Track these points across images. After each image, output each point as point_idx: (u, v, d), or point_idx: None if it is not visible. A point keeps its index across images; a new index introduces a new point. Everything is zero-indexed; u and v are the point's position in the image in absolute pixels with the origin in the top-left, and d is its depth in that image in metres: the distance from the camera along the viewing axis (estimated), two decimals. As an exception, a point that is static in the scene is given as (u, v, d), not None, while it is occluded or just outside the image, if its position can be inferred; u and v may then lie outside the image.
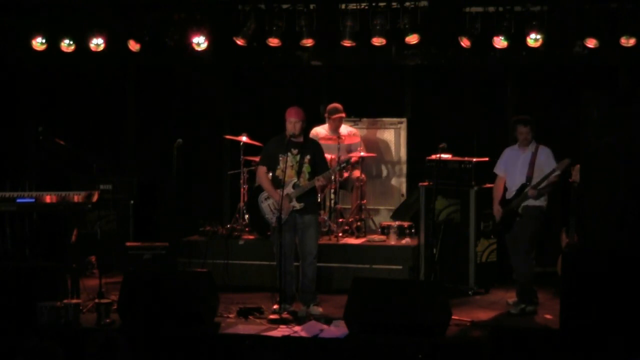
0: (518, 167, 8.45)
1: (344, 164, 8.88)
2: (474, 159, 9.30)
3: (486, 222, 9.12)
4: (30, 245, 9.42)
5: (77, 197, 8.59)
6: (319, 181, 8.32)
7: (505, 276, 9.32)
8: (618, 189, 9.03)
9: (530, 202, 8.36)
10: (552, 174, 8.26)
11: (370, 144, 10.71)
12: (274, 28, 9.95)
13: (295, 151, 8.35)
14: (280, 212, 8.14)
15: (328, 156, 9.10)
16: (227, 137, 10.40)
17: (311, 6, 9.92)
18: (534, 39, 9.54)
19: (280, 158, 8.34)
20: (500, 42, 9.65)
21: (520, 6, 9.57)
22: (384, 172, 10.99)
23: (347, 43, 9.95)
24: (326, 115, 10.13)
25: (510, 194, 8.50)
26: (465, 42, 9.74)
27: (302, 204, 8.29)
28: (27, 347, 4.53)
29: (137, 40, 10.26)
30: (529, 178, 8.34)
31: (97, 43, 10.34)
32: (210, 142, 11.00)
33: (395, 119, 10.91)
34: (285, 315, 8.04)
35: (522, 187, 8.37)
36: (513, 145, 8.61)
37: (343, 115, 10.05)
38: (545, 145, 8.45)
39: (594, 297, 7.23)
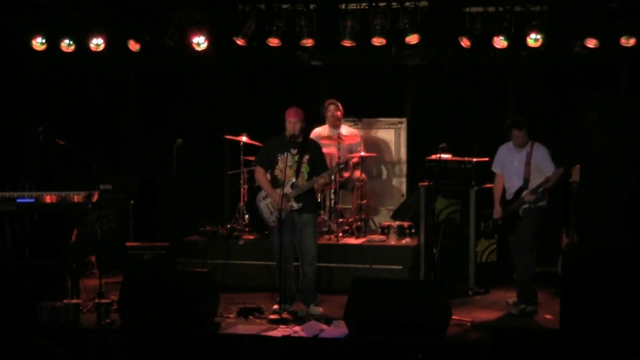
0: (514, 168, 8.43)
1: (343, 165, 8.85)
2: (474, 159, 9.29)
3: (486, 222, 9.10)
4: (30, 245, 9.42)
5: (77, 197, 8.59)
6: (317, 182, 8.32)
7: (505, 276, 9.33)
8: (618, 189, 9.05)
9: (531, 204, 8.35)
10: (547, 183, 8.20)
11: (370, 144, 10.71)
12: (274, 28, 9.96)
13: (294, 151, 8.34)
14: (280, 212, 8.13)
15: (327, 153, 9.10)
16: (227, 137, 10.39)
17: (311, 6, 9.93)
18: (534, 39, 9.54)
19: (280, 157, 8.33)
20: (500, 42, 9.65)
21: (520, 6, 9.57)
22: (384, 172, 10.99)
23: (347, 43, 9.95)
24: (324, 112, 10.15)
25: (509, 195, 8.48)
26: (465, 42, 9.74)
27: (300, 203, 8.28)
28: (27, 347, 4.52)
29: (137, 40, 10.27)
30: (526, 181, 8.32)
31: (97, 43, 10.34)
32: (210, 142, 11.00)
33: (395, 119, 10.91)
34: (285, 315, 8.04)
35: (520, 190, 8.35)
36: (507, 143, 8.56)
37: (337, 103, 10.04)
38: (542, 143, 8.43)
39: (594, 297, 7.23)
